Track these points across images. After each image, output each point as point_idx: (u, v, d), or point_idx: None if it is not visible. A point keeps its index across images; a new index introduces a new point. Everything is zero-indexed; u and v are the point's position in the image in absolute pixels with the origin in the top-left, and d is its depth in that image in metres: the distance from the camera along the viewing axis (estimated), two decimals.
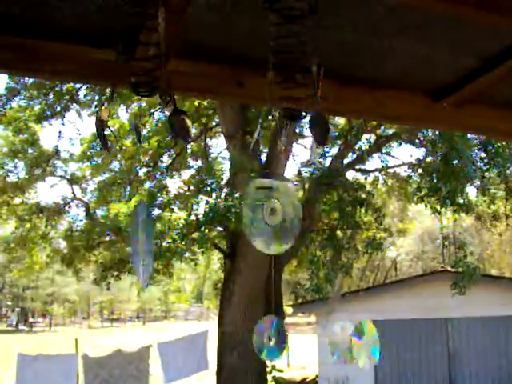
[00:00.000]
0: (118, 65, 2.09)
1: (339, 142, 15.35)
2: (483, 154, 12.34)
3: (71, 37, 2.57)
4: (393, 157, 17.43)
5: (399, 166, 16.89)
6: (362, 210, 13.59)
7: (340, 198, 13.05)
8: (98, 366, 11.34)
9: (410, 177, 15.40)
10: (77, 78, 3.30)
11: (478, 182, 12.63)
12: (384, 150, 16.47)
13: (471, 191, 13.85)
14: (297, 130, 13.77)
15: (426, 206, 12.98)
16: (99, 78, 2.77)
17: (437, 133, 11.86)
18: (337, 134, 15.27)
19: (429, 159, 13.18)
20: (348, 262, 12.94)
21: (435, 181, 11.93)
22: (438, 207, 12.47)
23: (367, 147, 15.61)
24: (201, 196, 13.80)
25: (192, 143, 17.77)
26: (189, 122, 2.51)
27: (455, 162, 11.43)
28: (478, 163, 12.24)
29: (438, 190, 11.77)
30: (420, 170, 13.55)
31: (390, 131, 15.53)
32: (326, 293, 14.70)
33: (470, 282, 11.71)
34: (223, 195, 13.05)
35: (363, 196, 13.48)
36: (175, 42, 2.59)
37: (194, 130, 17.10)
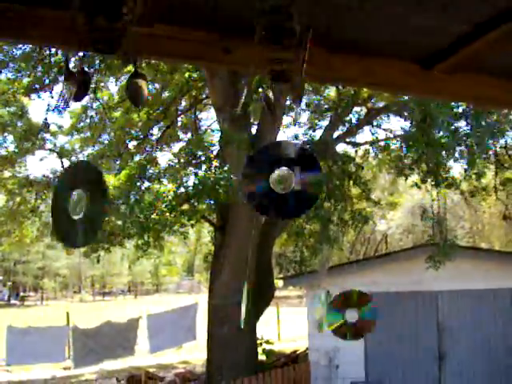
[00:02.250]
0: (82, 25, 2.03)
1: (329, 114, 15.31)
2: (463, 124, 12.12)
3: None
4: (384, 130, 17.38)
5: (389, 139, 16.85)
6: (351, 183, 13.58)
7: (329, 170, 13.02)
8: (86, 336, 11.42)
9: (387, 146, 15.36)
10: (47, 41, 3.23)
11: (461, 155, 12.49)
12: (375, 123, 16.44)
13: (457, 166, 13.86)
14: (287, 102, 13.64)
15: (406, 179, 12.92)
16: (69, 41, 2.69)
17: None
18: (327, 106, 15.22)
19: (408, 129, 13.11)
20: (334, 234, 12.92)
21: (413, 151, 11.79)
22: (419, 181, 12.41)
23: (357, 120, 15.58)
24: (190, 168, 13.75)
25: (183, 116, 17.69)
26: (144, 87, 2.46)
27: (432, 130, 11.25)
28: (460, 135, 12.04)
29: (417, 161, 11.66)
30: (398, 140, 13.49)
31: (381, 104, 15.49)
32: (310, 265, 14.70)
33: (446, 258, 11.76)
34: (213, 168, 13.00)
35: (352, 169, 13.45)
36: (159, 6, 2.53)
37: (183, 103, 17.00)
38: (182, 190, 12.74)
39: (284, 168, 2.67)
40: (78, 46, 2.19)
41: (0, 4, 2.47)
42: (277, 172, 2.67)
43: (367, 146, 17.55)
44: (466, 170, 12.89)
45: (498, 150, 14.43)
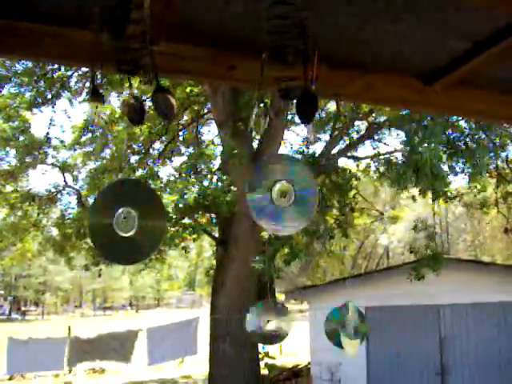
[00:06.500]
0: (102, 45, 2.07)
1: (330, 127, 15.36)
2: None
3: (55, 18, 2.53)
4: (385, 144, 17.42)
5: (391, 152, 16.86)
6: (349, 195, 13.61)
7: (329, 184, 13.07)
8: (83, 342, 11.49)
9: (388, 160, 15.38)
10: (61, 59, 3.27)
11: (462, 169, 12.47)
12: (376, 137, 16.47)
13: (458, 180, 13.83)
14: (289, 117, 13.70)
15: (406, 190, 12.85)
16: (83, 59, 2.74)
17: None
18: (327, 120, 15.27)
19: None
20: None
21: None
22: (417, 194, 12.39)
23: (358, 134, 15.62)
24: (192, 180, 13.76)
25: (184, 130, 17.74)
26: (172, 100, 2.47)
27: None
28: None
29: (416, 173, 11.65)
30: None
31: (382, 118, 15.51)
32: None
33: (434, 271, 11.91)
34: (214, 181, 13.03)
35: (348, 183, 13.49)
36: (166, 24, 2.56)
37: (185, 117, 17.06)
38: (183, 202, 12.73)
39: (284, 181, 2.67)
40: (101, 66, 2.23)
41: (21, 23, 2.51)
42: (278, 186, 2.67)
43: (368, 160, 17.58)
44: (469, 186, 12.89)
45: (499, 163, 14.46)
